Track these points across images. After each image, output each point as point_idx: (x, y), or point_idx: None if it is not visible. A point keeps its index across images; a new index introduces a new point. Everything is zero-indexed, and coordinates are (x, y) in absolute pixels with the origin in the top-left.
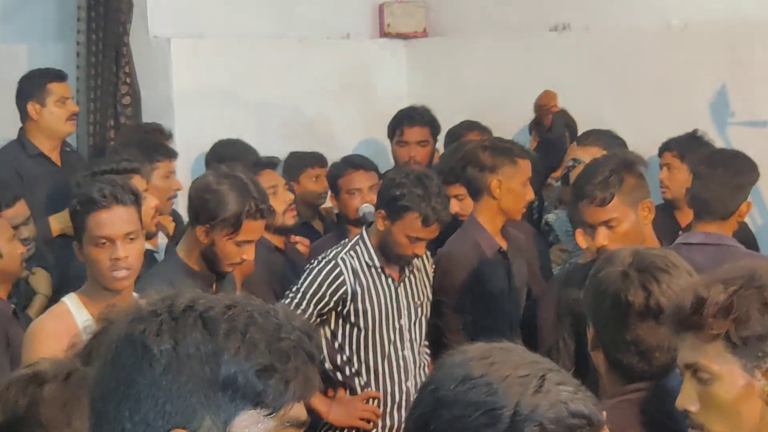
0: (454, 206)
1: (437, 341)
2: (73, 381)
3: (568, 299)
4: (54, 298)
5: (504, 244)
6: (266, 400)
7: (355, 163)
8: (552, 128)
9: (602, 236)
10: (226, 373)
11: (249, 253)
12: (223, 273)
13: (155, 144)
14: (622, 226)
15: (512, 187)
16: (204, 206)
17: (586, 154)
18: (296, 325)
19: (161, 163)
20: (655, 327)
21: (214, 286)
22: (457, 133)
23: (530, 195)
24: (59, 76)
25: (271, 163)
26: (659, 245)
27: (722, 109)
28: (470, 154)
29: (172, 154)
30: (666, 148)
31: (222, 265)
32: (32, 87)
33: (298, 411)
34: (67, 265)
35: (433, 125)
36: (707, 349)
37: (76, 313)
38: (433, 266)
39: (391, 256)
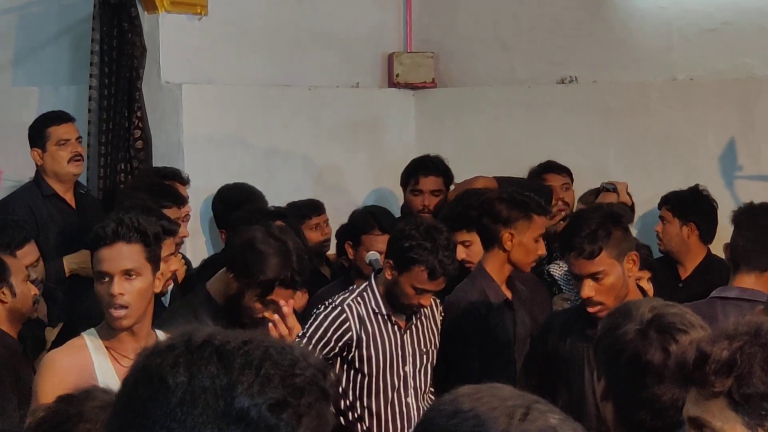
0: (461, 253)
1: (445, 388)
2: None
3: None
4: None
5: (509, 295)
6: None
7: (383, 225)
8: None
9: (588, 288)
10: (240, 406)
11: (270, 312)
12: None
13: (165, 189)
14: (609, 279)
15: (524, 241)
16: (243, 262)
17: None
18: (311, 362)
19: (169, 210)
20: (671, 387)
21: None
22: None
23: (542, 250)
24: (59, 118)
25: (281, 214)
26: (640, 296)
27: (729, 163)
28: (487, 204)
29: (180, 201)
30: (664, 202)
31: (242, 316)
32: (33, 134)
33: None
34: (78, 305)
35: (446, 175)
36: (710, 405)
37: (93, 349)
38: (441, 315)
39: (397, 305)
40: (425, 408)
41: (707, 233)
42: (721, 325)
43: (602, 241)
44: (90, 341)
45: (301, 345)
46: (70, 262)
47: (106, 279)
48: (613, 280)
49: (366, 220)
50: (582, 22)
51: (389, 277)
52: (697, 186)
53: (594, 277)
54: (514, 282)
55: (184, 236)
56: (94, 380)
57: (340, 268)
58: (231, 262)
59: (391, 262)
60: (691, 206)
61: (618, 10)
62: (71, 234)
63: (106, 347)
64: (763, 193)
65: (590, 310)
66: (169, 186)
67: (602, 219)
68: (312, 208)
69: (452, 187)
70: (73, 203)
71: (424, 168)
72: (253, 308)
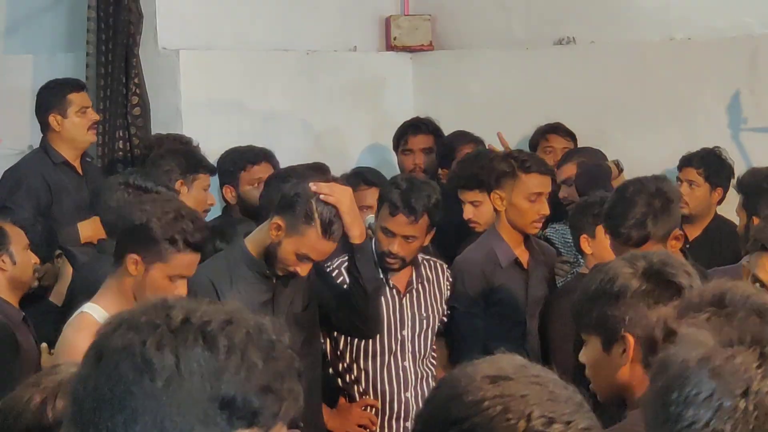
0: (468, 212)
1: (452, 347)
2: None
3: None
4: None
5: (524, 256)
6: (261, 420)
7: (367, 179)
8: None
9: None
10: (227, 392)
11: (303, 270)
12: (276, 274)
13: (199, 157)
14: None
15: (514, 201)
16: (292, 203)
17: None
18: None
19: (203, 176)
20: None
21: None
22: (450, 145)
23: (543, 210)
24: (79, 86)
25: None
26: None
27: (729, 122)
28: (486, 165)
29: (212, 170)
30: (688, 163)
31: (276, 266)
32: (52, 98)
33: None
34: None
35: (437, 134)
36: None
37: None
38: (449, 280)
39: (378, 259)
40: (424, 373)
41: (724, 198)
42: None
43: (650, 228)
44: (98, 317)
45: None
46: (86, 229)
47: (179, 281)
48: None
49: (349, 178)
50: None
51: (370, 234)
52: (716, 148)
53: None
54: (533, 244)
55: (212, 204)
56: None
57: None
58: (280, 203)
59: (372, 218)
60: (720, 170)
61: None
62: (83, 201)
63: None
64: (761, 154)
65: None
66: (204, 157)
67: (648, 202)
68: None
69: None
70: (80, 171)
71: (414, 127)
72: (288, 260)
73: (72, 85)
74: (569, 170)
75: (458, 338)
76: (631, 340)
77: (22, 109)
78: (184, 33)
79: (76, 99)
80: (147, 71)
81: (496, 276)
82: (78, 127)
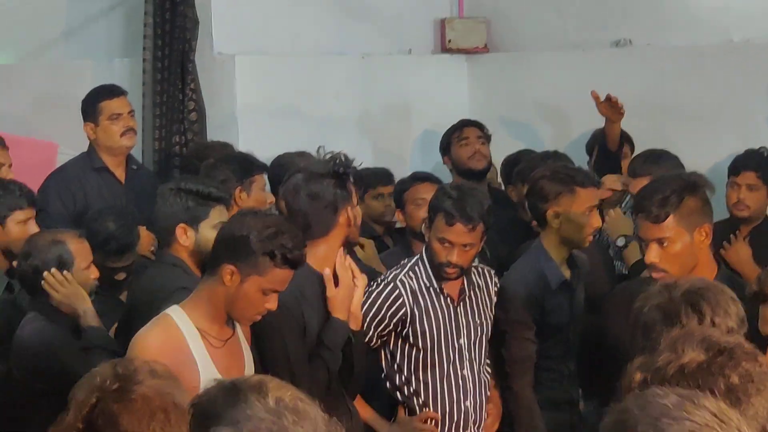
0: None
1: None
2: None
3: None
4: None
5: (568, 273)
6: None
7: (419, 176)
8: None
9: (653, 253)
10: None
11: (273, 303)
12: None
13: (250, 159)
14: (675, 246)
15: (572, 217)
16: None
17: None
18: None
19: (258, 177)
20: None
21: None
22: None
23: (596, 222)
24: (111, 92)
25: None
26: (715, 270)
27: None
28: (531, 182)
29: (265, 168)
30: (744, 167)
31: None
32: (86, 108)
33: None
34: (135, 284)
35: (484, 129)
36: None
37: (185, 329)
38: (497, 286)
39: (435, 272)
40: (482, 380)
41: None
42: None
43: (671, 207)
44: (180, 321)
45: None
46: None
47: (271, 295)
48: (679, 249)
49: (402, 181)
50: None
51: (426, 240)
52: (763, 149)
53: (659, 242)
54: (575, 258)
55: (271, 201)
56: (192, 362)
57: (399, 235)
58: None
59: (426, 223)
60: None
61: None
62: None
63: (197, 329)
64: None
65: (654, 275)
66: (254, 157)
67: (678, 186)
68: (377, 178)
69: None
70: (122, 178)
71: (464, 122)
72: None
73: (105, 92)
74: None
75: (510, 361)
76: None
77: (81, 115)
78: (239, 38)
79: (108, 106)
80: (203, 77)
81: (546, 299)
82: (110, 134)
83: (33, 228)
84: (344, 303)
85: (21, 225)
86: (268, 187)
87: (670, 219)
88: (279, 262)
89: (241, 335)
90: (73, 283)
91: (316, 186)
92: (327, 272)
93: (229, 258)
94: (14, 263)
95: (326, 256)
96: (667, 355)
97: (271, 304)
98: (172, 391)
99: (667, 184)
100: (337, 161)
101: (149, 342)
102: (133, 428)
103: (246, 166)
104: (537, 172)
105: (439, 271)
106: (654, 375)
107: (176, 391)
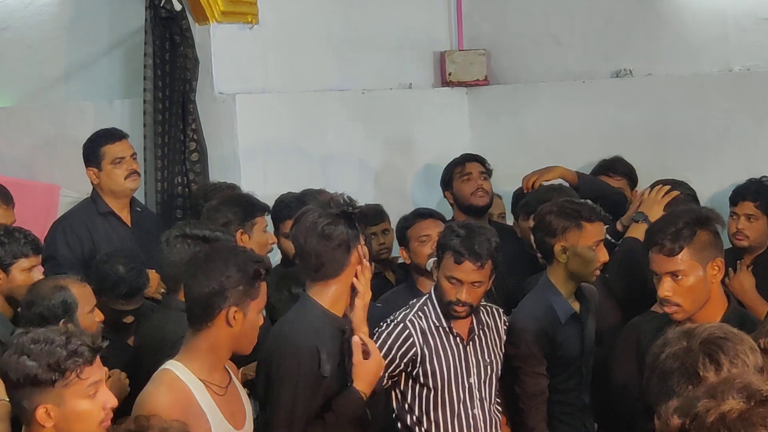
0: None
1: (516, 406)
2: None
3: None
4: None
5: (577, 306)
6: None
7: (422, 212)
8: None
9: (666, 287)
10: None
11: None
12: None
13: (252, 201)
14: (688, 280)
15: (579, 251)
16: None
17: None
18: None
19: (260, 219)
20: None
21: None
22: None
23: (603, 256)
24: (113, 136)
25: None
26: (726, 304)
27: None
28: (539, 217)
29: (266, 209)
30: (743, 198)
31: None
32: (88, 153)
33: None
34: (146, 326)
35: (485, 164)
36: None
37: (189, 382)
38: (506, 324)
39: (442, 308)
40: (492, 419)
41: None
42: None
43: (684, 240)
44: (182, 375)
45: None
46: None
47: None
48: (693, 283)
49: (404, 218)
50: (636, 15)
51: (434, 279)
52: (765, 178)
53: (673, 275)
54: (583, 290)
55: (273, 242)
56: (201, 414)
57: (403, 270)
58: None
59: (435, 263)
60: None
61: (671, 2)
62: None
63: (200, 380)
64: None
65: (667, 310)
66: (255, 199)
67: (690, 219)
68: (368, 218)
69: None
70: (129, 221)
71: (466, 157)
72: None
73: (107, 136)
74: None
75: (524, 396)
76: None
77: (80, 155)
78: (239, 77)
79: (110, 150)
80: (204, 116)
81: (557, 333)
82: (114, 178)
83: (37, 275)
84: (369, 375)
85: (25, 272)
86: (270, 227)
87: (684, 252)
88: (262, 276)
89: (235, 378)
90: None
91: (328, 227)
92: (356, 340)
93: (222, 304)
94: (19, 310)
95: (339, 295)
96: (706, 401)
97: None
98: None
99: (680, 218)
100: (344, 201)
101: (160, 401)
102: None
103: (247, 208)
104: (544, 207)
105: (448, 309)
106: (693, 421)
107: None
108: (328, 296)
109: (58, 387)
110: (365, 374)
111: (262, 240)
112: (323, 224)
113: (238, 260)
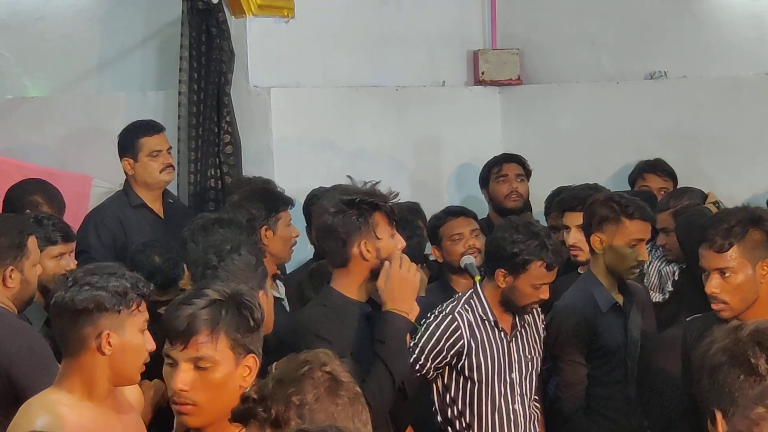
0: (573, 237)
1: (555, 394)
2: None
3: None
4: None
5: (620, 299)
6: None
7: (453, 210)
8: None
9: (714, 283)
10: None
11: None
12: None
13: (276, 194)
14: (736, 278)
15: (615, 245)
16: None
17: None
18: None
19: (284, 213)
20: None
21: None
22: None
23: (642, 256)
24: (151, 128)
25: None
26: None
27: None
28: (587, 206)
29: (291, 203)
30: None
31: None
32: (124, 143)
33: None
34: None
35: (525, 165)
36: None
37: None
38: (544, 322)
39: (517, 308)
40: (532, 414)
41: None
42: None
43: (735, 237)
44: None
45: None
46: None
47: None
48: (741, 281)
49: (436, 217)
50: (671, 16)
51: (503, 285)
52: None
53: (721, 272)
54: (628, 284)
55: (297, 235)
56: None
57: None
58: None
59: (503, 270)
60: None
61: (708, 3)
62: None
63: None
64: None
65: (714, 307)
66: (278, 192)
67: (743, 217)
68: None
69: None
70: (161, 213)
71: (505, 157)
72: None
73: (144, 128)
74: (664, 221)
75: (562, 385)
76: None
77: (115, 147)
78: (274, 71)
79: (147, 143)
80: (238, 109)
81: (597, 322)
82: (149, 171)
83: (68, 263)
84: (393, 293)
85: (55, 260)
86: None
87: (734, 249)
88: (135, 296)
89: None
90: None
91: (326, 218)
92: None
93: (93, 331)
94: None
95: (349, 285)
96: None
97: (150, 342)
98: None
99: (733, 215)
100: (362, 192)
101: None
102: None
103: (271, 203)
104: (596, 195)
105: (523, 310)
106: None
107: None
108: (346, 283)
109: (123, 314)
110: (387, 292)
111: (286, 234)
112: (322, 216)
113: (106, 283)
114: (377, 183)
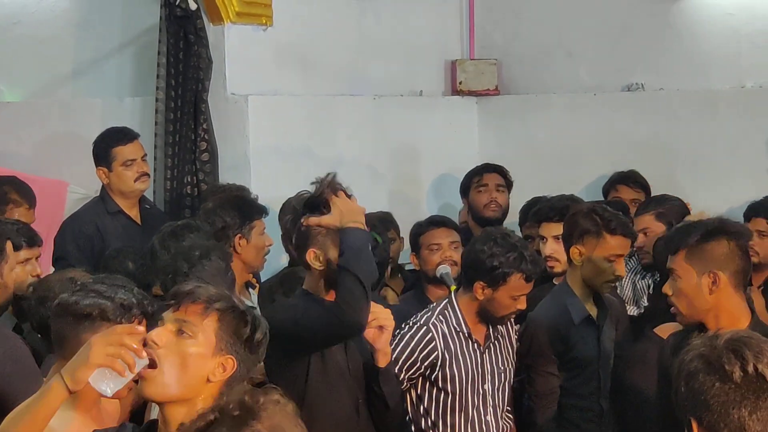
0: (549, 248)
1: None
2: None
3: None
4: None
5: (593, 311)
6: None
7: (436, 221)
8: None
9: (666, 285)
10: None
11: None
12: None
13: (251, 203)
14: (680, 282)
15: (594, 259)
16: None
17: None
18: None
19: (258, 222)
20: None
21: None
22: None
23: (620, 271)
24: (125, 136)
25: None
26: (749, 316)
27: None
28: (568, 216)
29: (265, 212)
30: (756, 214)
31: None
32: (98, 152)
33: None
34: None
35: (506, 176)
36: None
37: None
38: (517, 333)
39: (494, 319)
40: (504, 426)
41: None
42: None
43: (684, 243)
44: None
45: None
46: None
47: None
48: (683, 287)
49: (418, 225)
50: (649, 29)
51: (482, 297)
52: None
53: (671, 273)
54: (602, 297)
55: (270, 244)
56: None
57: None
58: None
59: (482, 283)
60: None
61: (685, 17)
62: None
63: None
64: None
65: (671, 310)
66: (253, 200)
67: (705, 227)
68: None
69: None
70: (138, 219)
71: (486, 167)
72: None
73: (118, 136)
74: (646, 221)
75: (534, 396)
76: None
77: (90, 153)
78: (252, 78)
79: (122, 152)
80: (215, 116)
81: (570, 333)
82: (124, 180)
83: (34, 268)
84: (341, 215)
85: (21, 265)
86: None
87: (681, 254)
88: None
89: None
90: None
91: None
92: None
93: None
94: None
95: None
96: None
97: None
98: None
99: (703, 224)
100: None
101: None
102: None
103: (245, 211)
104: (579, 206)
105: (501, 320)
106: None
107: None
108: (315, 285)
109: None
110: (338, 215)
111: (260, 243)
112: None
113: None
114: (333, 175)
